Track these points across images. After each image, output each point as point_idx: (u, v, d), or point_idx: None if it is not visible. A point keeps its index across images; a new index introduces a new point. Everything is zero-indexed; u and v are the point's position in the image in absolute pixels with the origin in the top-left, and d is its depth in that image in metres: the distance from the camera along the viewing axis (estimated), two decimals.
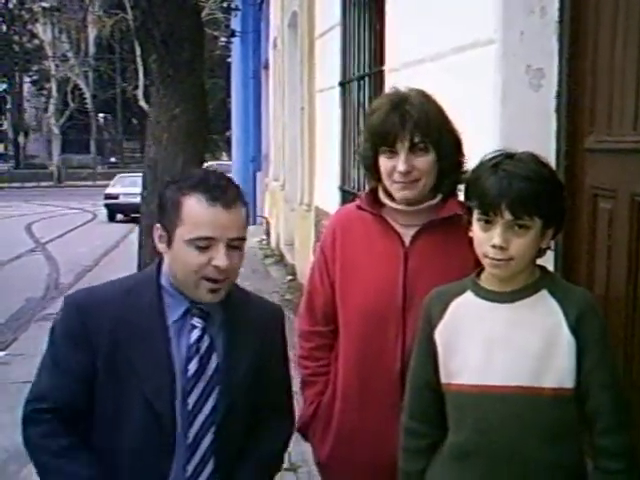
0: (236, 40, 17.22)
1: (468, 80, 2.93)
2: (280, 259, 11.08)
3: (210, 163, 23.43)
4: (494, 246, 1.63)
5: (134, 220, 14.85)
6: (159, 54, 4.54)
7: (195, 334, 1.81)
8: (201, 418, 1.80)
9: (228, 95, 24.82)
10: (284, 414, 2.00)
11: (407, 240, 2.02)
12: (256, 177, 16.07)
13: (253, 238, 12.70)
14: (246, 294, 1.96)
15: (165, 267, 1.84)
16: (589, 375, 1.64)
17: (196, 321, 1.82)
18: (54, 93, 38.03)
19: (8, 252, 12.77)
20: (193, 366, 1.79)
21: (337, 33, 6.24)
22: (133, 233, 12.92)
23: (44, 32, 36.71)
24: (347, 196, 5.91)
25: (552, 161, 2.27)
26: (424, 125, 1.92)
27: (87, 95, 39.08)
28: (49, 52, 37.21)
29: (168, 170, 4.47)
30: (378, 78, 4.96)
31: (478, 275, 1.76)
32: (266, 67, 14.61)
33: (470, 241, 1.71)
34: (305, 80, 8.62)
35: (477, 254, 1.70)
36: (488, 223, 1.64)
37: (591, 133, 2.38)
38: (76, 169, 39.48)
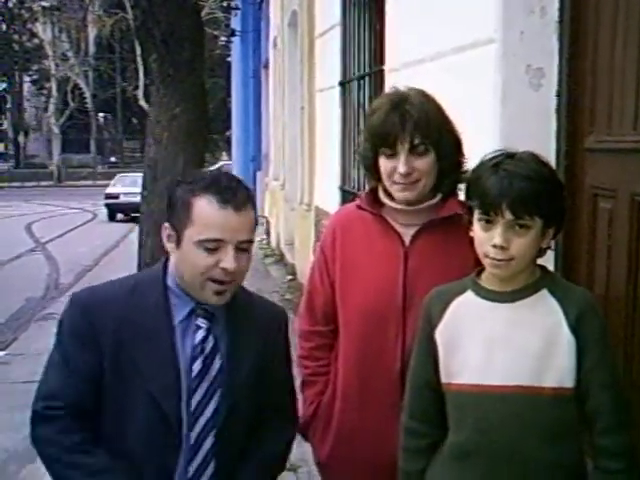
0: (236, 39, 17.23)
1: (468, 80, 2.93)
2: (280, 259, 11.08)
3: (221, 163, 23.45)
4: (495, 246, 1.63)
5: (134, 220, 14.85)
6: (159, 53, 4.53)
7: (200, 334, 1.81)
8: (203, 419, 1.80)
9: (228, 94, 24.83)
10: (287, 415, 2.00)
11: (407, 240, 2.02)
12: (256, 176, 16.07)
13: None
14: (250, 295, 1.96)
15: (171, 267, 1.84)
16: (589, 374, 1.64)
17: (201, 322, 1.82)
18: (54, 92, 38.02)
19: (8, 252, 12.77)
20: (197, 366, 1.79)
21: (337, 32, 6.24)
22: (133, 233, 12.91)
23: (44, 31, 36.68)
24: (347, 196, 5.91)
25: (552, 161, 2.27)
26: (424, 126, 1.92)
27: (87, 95, 39.07)
28: (49, 51, 37.18)
29: (168, 170, 4.47)
30: (378, 78, 4.96)
31: (478, 275, 1.76)
32: (266, 66, 14.61)
33: (471, 241, 1.71)
34: (305, 79, 8.62)
35: (478, 254, 1.70)
36: (489, 223, 1.64)
37: (591, 133, 2.38)
38: (76, 169, 39.47)
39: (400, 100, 1.96)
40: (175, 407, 1.77)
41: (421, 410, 1.80)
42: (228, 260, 1.73)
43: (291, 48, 10.25)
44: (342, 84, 6.20)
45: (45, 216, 20.70)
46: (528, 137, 2.45)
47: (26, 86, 41.95)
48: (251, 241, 1.79)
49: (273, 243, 12.40)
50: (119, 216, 19.83)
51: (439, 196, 2.02)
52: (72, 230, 17.30)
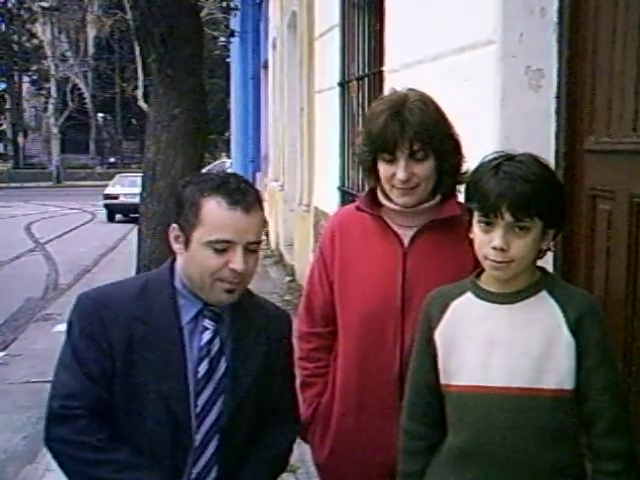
0: (235, 40, 17.23)
1: (467, 81, 2.92)
2: (279, 260, 11.08)
3: (215, 163, 23.42)
4: (495, 248, 1.62)
5: (133, 220, 14.84)
6: (159, 54, 4.54)
7: (207, 336, 1.81)
8: (209, 421, 1.80)
9: (227, 95, 24.84)
10: (290, 416, 2.01)
11: (406, 241, 2.02)
12: (255, 178, 16.07)
13: None
14: (255, 298, 1.97)
15: (178, 268, 1.84)
16: (589, 376, 1.64)
17: (208, 323, 1.82)
18: (53, 93, 38.00)
19: (7, 252, 12.77)
20: (203, 368, 1.80)
21: (337, 33, 6.24)
22: (132, 233, 12.91)
23: (43, 32, 36.68)
24: (346, 197, 5.91)
25: (551, 162, 2.26)
26: (424, 132, 1.91)
27: (86, 95, 39.07)
28: (48, 52, 37.16)
29: (167, 170, 4.47)
30: (377, 79, 4.96)
31: (478, 276, 1.76)
32: (265, 67, 14.61)
33: (470, 242, 1.71)
34: (304, 80, 8.62)
35: (477, 255, 1.69)
36: (489, 225, 1.64)
37: (591, 134, 2.38)
38: (75, 169, 39.46)
39: (399, 105, 1.94)
40: (184, 407, 1.77)
41: (420, 411, 1.80)
42: (237, 261, 1.73)
43: (290, 49, 10.25)
44: (341, 85, 6.20)
45: (44, 217, 20.69)
46: (527, 138, 2.45)
47: (25, 86, 41.92)
48: (259, 242, 1.80)
49: (272, 244, 12.40)
50: (118, 217, 19.83)
51: (438, 197, 2.02)
52: (71, 231, 17.30)
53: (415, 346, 1.83)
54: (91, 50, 38.01)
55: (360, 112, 5.54)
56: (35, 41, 38.52)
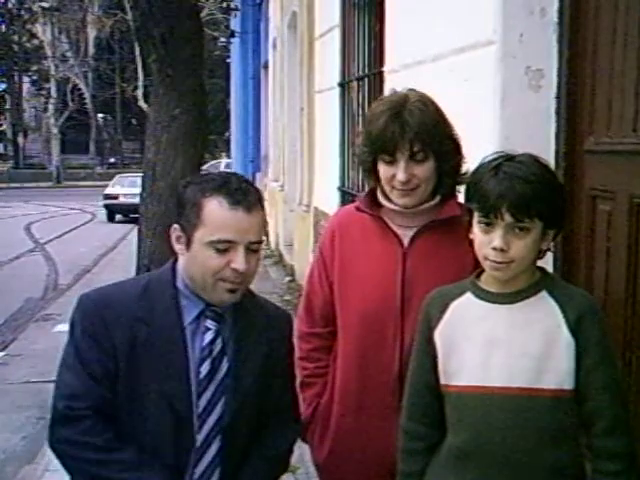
0: (236, 41, 17.23)
1: (468, 81, 2.92)
2: (279, 260, 11.08)
3: (211, 163, 23.40)
4: (495, 249, 1.62)
5: (133, 221, 14.85)
6: (159, 54, 4.54)
7: (209, 336, 1.82)
8: (211, 421, 1.81)
9: (227, 96, 24.84)
10: (290, 418, 2.01)
11: (406, 241, 2.02)
12: (255, 178, 16.08)
13: None
14: (256, 298, 1.97)
15: (180, 269, 1.84)
16: (589, 376, 1.64)
17: (210, 323, 1.82)
18: (53, 93, 38.00)
19: (7, 252, 12.78)
20: (205, 368, 1.80)
21: (337, 34, 6.23)
22: (132, 233, 12.91)
23: (43, 32, 36.68)
24: (346, 197, 5.90)
25: (551, 162, 2.26)
26: (424, 134, 1.91)
27: (86, 95, 39.07)
28: (48, 52, 37.18)
29: (167, 171, 4.48)
30: (378, 79, 4.95)
31: (478, 276, 1.76)
32: (265, 67, 14.61)
33: (470, 242, 1.71)
34: (304, 81, 8.62)
35: (477, 256, 1.69)
36: (489, 225, 1.64)
37: (591, 134, 2.38)
38: (75, 169, 39.46)
39: (399, 106, 1.94)
40: (187, 408, 1.78)
41: (420, 412, 1.79)
42: (239, 261, 1.73)
43: (291, 49, 10.25)
44: (341, 85, 6.20)
45: (44, 217, 20.70)
46: (527, 139, 2.45)
47: (25, 87, 41.92)
48: (261, 242, 1.80)
49: (272, 244, 12.40)
50: (118, 217, 19.84)
51: (438, 198, 2.02)
52: (71, 231, 17.30)
53: (415, 346, 1.82)
54: (91, 50, 38.01)
55: (360, 112, 5.54)
56: (35, 41, 38.53)
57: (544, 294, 1.69)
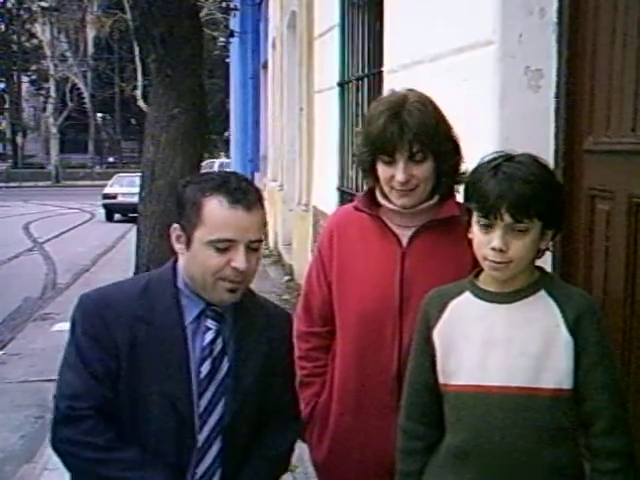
0: (235, 40, 17.23)
1: (467, 81, 2.93)
2: (278, 259, 11.08)
3: (207, 162, 23.38)
4: (494, 249, 1.62)
5: (132, 220, 14.84)
6: (158, 54, 4.54)
7: (209, 336, 1.82)
8: (212, 421, 1.81)
9: (227, 95, 24.85)
10: (290, 417, 2.01)
11: (404, 241, 2.02)
12: (254, 177, 16.08)
13: None
14: (256, 298, 1.97)
15: (180, 268, 1.84)
16: (588, 375, 1.64)
17: (210, 323, 1.82)
18: (52, 93, 38.02)
19: (6, 252, 12.77)
20: (206, 368, 1.80)
21: (336, 34, 6.24)
22: (131, 233, 12.91)
23: (43, 32, 36.70)
24: (345, 197, 5.90)
25: (550, 162, 2.26)
26: (423, 134, 1.90)
27: (85, 95, 39.08)
28: (48, 52, 37.18)
29: (166, 170, 4.48)
30: (377, 79, 4.96)
31: (476, 276, 1.76)
32: (265, 67, 14.62)
33: (469, 242, 1.71)
34: (304, 80, 8.63)
35: (476, 256, 1.69)
36: (488, 226, 1.64)
37: (590, 134, 2.38)
38: (74, 169, 39.48)
39: (398, 106, 1.93)
40: (188, 407, 1.77)
41: (419, 411, 1.79)
42: (239, 260, 1.73)
43: (290, 49, 10.25)
44: (341, 85, 6.20)
45: (43, 216, 20.69)
46: (526, 139, 2.45)
47: (24, 86, 41.94)
48: (261, 240, 1.80)
49: (271, 244, 12.40)
50: (117, 216, 19.83)
51: (437, 197, 2.02)
52: (70, 230, 17.29)
53: (413, 346, 1.82)
54: (90, 50, 38.02)
55: (359, 112, 5.54)
56: (34, 41, 38.55)
57: (543, 294, 1.69)
